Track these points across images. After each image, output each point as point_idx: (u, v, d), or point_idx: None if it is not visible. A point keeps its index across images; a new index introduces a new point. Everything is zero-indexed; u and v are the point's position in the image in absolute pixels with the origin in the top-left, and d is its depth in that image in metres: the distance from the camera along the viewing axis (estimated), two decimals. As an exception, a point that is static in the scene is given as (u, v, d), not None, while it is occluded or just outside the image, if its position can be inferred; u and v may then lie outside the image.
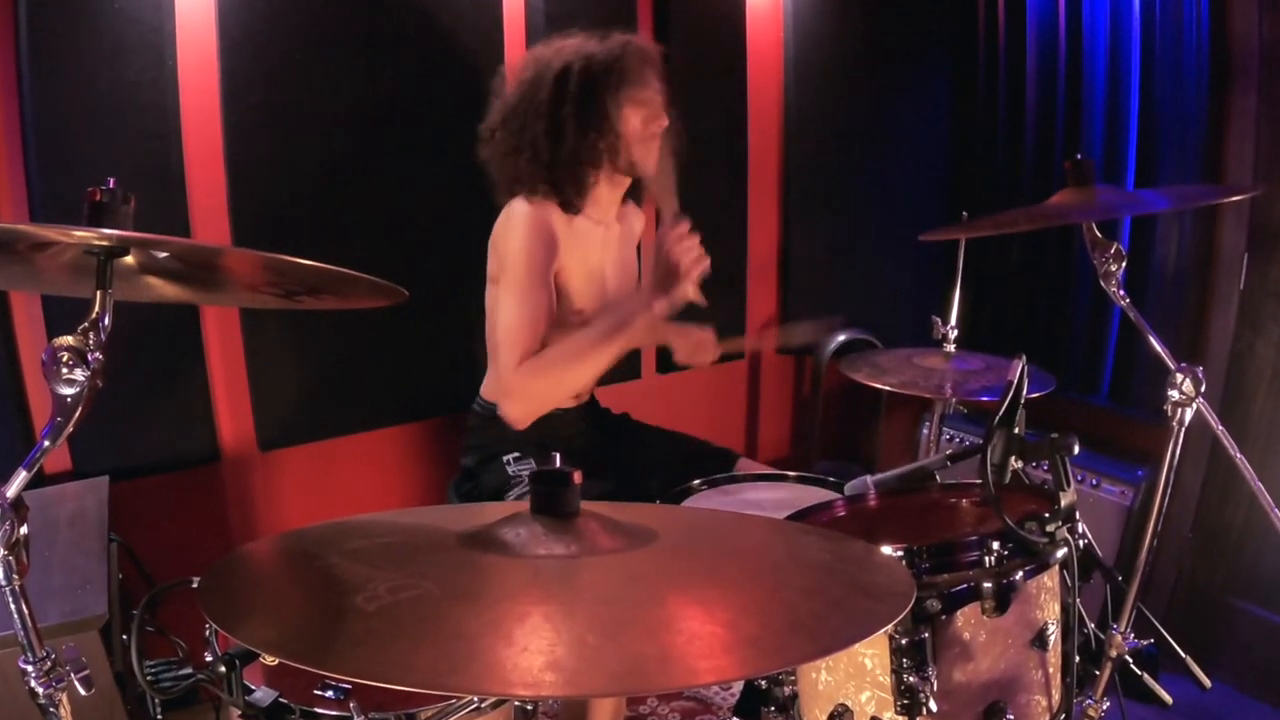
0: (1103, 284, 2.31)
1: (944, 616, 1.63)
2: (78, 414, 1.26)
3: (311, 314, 2.87)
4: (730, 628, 1.10)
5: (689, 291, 2.36)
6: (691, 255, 2.34)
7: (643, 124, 2.55)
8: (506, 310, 2.47)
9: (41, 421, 2.65)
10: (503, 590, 1.19)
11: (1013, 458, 1.84)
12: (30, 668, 1.26)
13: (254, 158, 2.89)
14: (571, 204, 2.58)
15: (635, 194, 2.82)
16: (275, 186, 2.94)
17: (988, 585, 1.62)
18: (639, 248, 2.97)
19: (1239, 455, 2.27)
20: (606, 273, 2.74)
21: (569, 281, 2.60)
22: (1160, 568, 3.52)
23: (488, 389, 2.78)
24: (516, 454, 2.70)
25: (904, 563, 1.64)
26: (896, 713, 1.64)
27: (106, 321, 1.32)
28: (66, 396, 1.26)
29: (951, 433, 3.94)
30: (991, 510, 1.68)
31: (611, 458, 2.80)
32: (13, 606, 1.24)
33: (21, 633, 1.25)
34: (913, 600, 1.22)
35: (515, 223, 2.52)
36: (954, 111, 4.48)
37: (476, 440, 2.78)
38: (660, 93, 2.59)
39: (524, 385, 2.43)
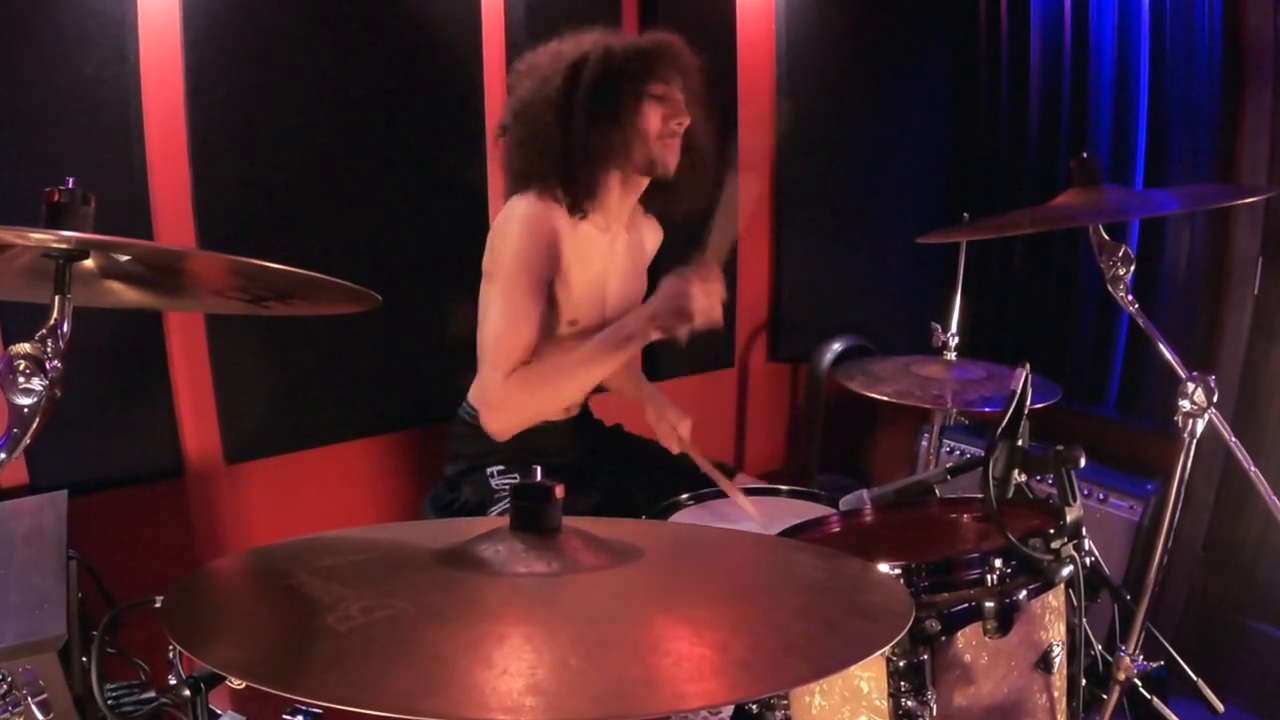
0: (1110, 289, 2.32)
1: (944, 638, 1.64)
2: (35, 425, 1.26)
3: (281, 320, 2.87)
4: (720, 649, 1.11)
5: (683, 334, 2.42)
6: (709, 305, 2.40)
7: (662, 121, 2.54)
8: (495, 316, 2.48)
9: (-5, 433, 2.64)
10: (481, 610, 1.19)
11: (1016, 471, 1.85)
12: (-16, 692, 1.26)
13: (220, 156, 2.88)
14: (580, 206, 2.56)
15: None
16: (242, 187, 2.93)
17: (990, 605, 1.62)
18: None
19: (1253, 468, 2.28)
20: (608, 283, 2.73)
21: (566, 290, 2.59)
22: (1171, 586, 3.53)
23: (475, 395, 2.78)
24: (501, 466, 2.70)
25: (902, 581, 1.65)
26: (894, 738, 1.65)
27: (65, 328, 1.32)
28: (23, 407, 1.26)
29: (952, 445, 3.95)
30: (994, 526, 1.69)
31: (602, 472, 2.80)
32: (-34, 628, 1.24)
33: (-25, 655, 1.25)
34: (911, 621, 1.22)
35: (515, 222, 2.50)
36: (954, 108, 4.49)
37: (461, 449, 2.78)
38: (684, 91, 2.58)
39: (509, 398, 2.44)
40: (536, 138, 2.51)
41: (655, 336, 2.44)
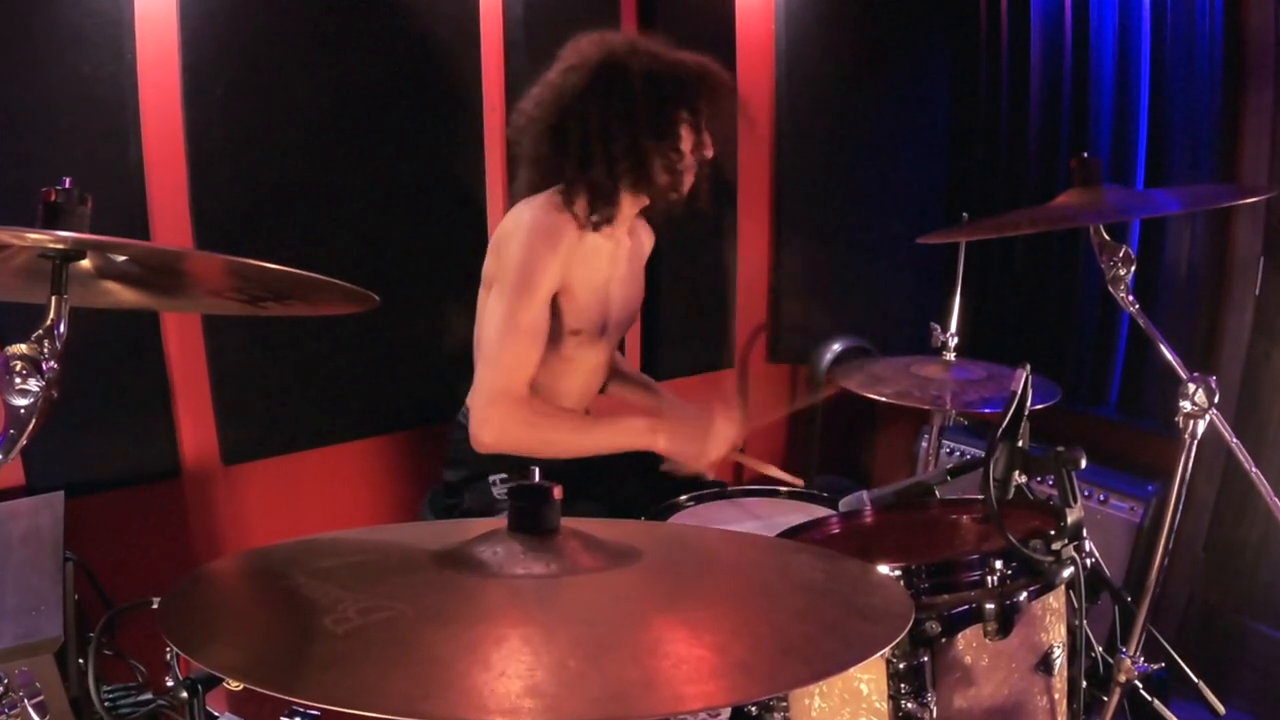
0: (1111, 289, 2.32)
1: (944, 639, 1.64)
2: (31, 426, 1.26)
3: (278, 321, 2.87)
4: (719, 651, 1.11)
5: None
6: (718, 452, 2.50)
7: (691, 151, 2.55)
8: (499, 329, 2.46)
9: (-8, 434, 2.63)
10: (479, 612, 1.19)
11: (1016, 472, 1.85)
12: (-19, 694, 1.26)
13: (217, 156, 2.88)
14: (596, 216, 2.53)
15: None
16: (240, 186, 2.93)
17: (990, 606, 1.62)
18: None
19: (1254, 469, 2.28)
20: (611, 290, 2.72)
21: (571, 300, 2.58)
22: (1171, 588, 3.53)
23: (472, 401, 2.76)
24: (504, 475, 2.68)
25: (902, 583, 1.65)
26: (894, 740, 1.65)
27: (62, 329, 1.32)
28: (20, 407, 1.26)
29: (952, 446, 3.95)
30: (994, 527, 1.69)
31: (604, 480, 2.78)
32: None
33: (-29, 657, 1.25)
34: (911, 622, 1.22)
35: (525, 231, 2.48)
36: (954, 107, 4.48)
37: (461, 454, 2.75)
38: (716, 122, 2.60)
39: (509, 428, 2.47)
40: (586, 140, 2.48)
41: (657, 448, 2.51)
